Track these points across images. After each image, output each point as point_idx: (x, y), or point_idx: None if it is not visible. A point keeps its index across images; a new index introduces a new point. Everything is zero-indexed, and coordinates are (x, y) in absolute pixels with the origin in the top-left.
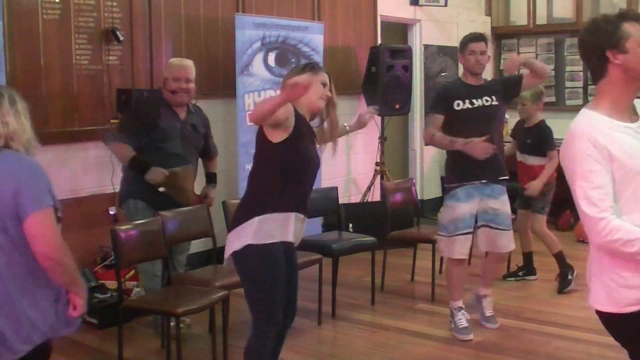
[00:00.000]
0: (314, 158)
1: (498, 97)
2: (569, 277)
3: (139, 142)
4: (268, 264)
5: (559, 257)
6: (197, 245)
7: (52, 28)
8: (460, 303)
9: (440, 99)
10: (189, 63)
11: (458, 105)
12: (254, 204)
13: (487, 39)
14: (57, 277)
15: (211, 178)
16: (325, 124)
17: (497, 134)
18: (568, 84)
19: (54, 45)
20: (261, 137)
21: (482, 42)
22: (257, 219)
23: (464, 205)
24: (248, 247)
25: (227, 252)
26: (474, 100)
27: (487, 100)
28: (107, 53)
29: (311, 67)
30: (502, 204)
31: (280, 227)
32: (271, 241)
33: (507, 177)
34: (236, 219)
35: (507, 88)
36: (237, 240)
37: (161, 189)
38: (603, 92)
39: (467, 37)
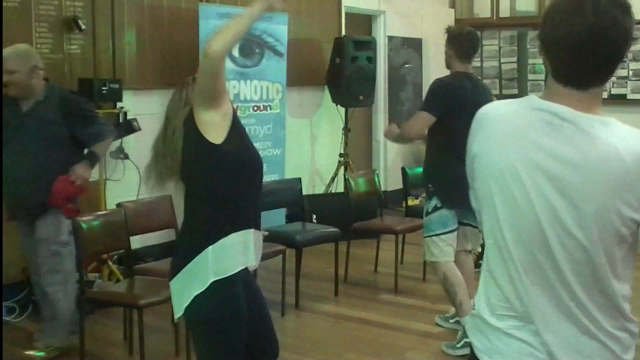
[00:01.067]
0: (259, 155)
1: None
2: None
3: None
4: (232, 304)
5: None
6: (160, 237)
7: (12, 16)
8: None
9: None
10: (10, 51)
11: None
12: (201, 230)
13: (446, 32)
14: None
15: (87, 156)
16: None
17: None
18: (530, 76)
19: (13, 33)
20: (199, 143)
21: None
22: (210, 248)
23: None
24: (211, 287)
25: (183, 303)
26: None
27: None
28: (69, 42)
29: None
30: None
31: (241, 250)
32: (236, 271)
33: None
34: (180, 257)
35: None
36: (191, 283)
37: None
38: None
39: None
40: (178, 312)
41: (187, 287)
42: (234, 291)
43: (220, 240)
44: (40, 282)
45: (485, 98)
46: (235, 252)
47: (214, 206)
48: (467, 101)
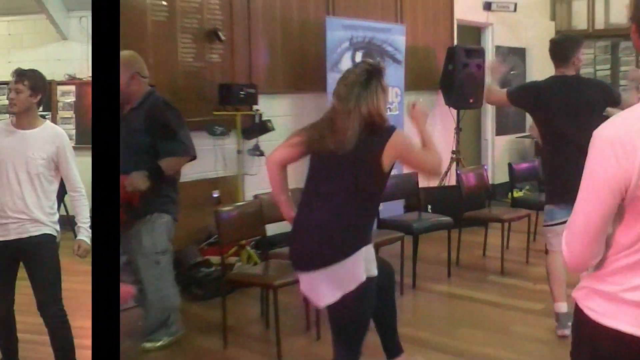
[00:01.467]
0: None
1: None
2: None
3: None
4: (371, 299)
5: None
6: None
7: (160, 28)
8: None
9: None
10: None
11: None
12: (361, 231)
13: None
14: None
15: (151, 168)
16: None
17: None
18: (622, 82)
19: (161, 44)
20: (376, 167)
21: None
22: (364, 248)
23: None
24: (367, 281)
25: (327, 297)
26: None
27: None
28: (210, 51)
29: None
30: None
31: (373, 260)
32: (376, 273)
33: None
34: (334, 247)
35: None
36: (342, 280)
37: None
38: None
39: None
40: (327, 299)
41: (337, 282)
42: (372, 287)
43: (368, 245)
44: (142, 289)
45: (588, 94)
46: (373, 257)
47: (368, 219)
48: (556, 102)
